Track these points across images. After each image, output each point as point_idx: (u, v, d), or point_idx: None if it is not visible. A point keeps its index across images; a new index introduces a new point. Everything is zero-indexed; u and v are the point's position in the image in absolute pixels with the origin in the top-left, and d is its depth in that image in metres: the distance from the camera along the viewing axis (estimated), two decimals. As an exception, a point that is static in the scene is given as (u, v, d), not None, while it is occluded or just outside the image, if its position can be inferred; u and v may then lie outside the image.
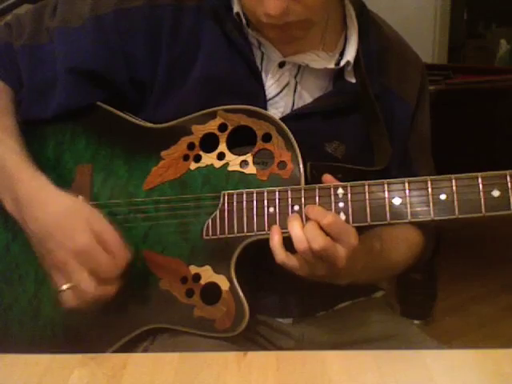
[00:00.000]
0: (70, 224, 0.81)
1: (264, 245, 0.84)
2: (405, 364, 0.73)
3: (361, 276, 0.85)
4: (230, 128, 0.87)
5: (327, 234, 0.77)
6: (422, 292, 2.31)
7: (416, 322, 2.29)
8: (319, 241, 0.75)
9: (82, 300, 0.80)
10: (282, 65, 0.92)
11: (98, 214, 0.83)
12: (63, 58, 0.92)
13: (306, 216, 0.79)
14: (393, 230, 0.93)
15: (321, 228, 0.77)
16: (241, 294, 0.84)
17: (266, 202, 0.83)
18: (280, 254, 0.79)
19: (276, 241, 0.80)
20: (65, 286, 0.80)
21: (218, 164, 0.87)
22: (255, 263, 0.88)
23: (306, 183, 0.84)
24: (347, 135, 0.94)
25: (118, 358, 0.76)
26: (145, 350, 0.89)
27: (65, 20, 0.93)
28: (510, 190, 0.75)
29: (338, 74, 0.94)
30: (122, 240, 0.82)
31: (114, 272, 0.80)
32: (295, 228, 0.78)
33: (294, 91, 0.93)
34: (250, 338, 0.93)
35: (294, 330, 0.97)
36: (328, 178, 0.83)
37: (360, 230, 0.81)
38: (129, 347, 0.88)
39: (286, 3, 0.79)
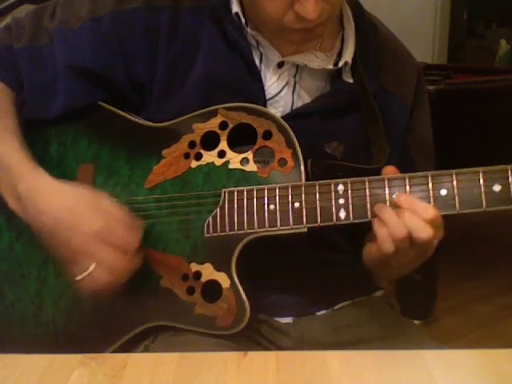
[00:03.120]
0: (79, 209, 0.82)
1: (265, 242, 0.84)
2: (405, 364, 0.73)
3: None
4: (230, 126, 0.87)
5: None
6: (422, 292, 2.31)
7: (416, 321, 2.29)
8: (428, 231, 0.74)
9: (114, 275, 0.81)
10: (280, 65, 0.92)
11: (102, 195, 0.85)
12: (63, 58, 0.93)
13: (398, 205, 0.77)
14: None
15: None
16: (241, 291, 0.84)
17: (266, 199, 0.83)
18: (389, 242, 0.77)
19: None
20: (79, 276, 0.81)
21: (218, 162, 0.87)
22: (253, 263, 0.88)
23: (307, 180, 0.84)
24: (346, 135, 0.94)
25: (118, 357, 0.76)
26: (145, 349, 0.89)
27: (64, 22, 0.94)
28: (511, 185, 0.75)
29: (335, 74, 0.95)
30: (133, 221, 0.84)
31: (134, 241, 0.82)
32: (392, 215, 0.77)
33: (293, 91, 0.93)
34: (250, 337, 0.93)
35: (293, 329, 0.96)
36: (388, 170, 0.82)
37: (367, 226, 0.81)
38: (130, 346, 0.88)
39: (321, 6, 0.81)
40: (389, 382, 0.70)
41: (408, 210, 0.76)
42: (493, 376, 0.70)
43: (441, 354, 0.78)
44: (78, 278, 0.81)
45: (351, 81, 0.94)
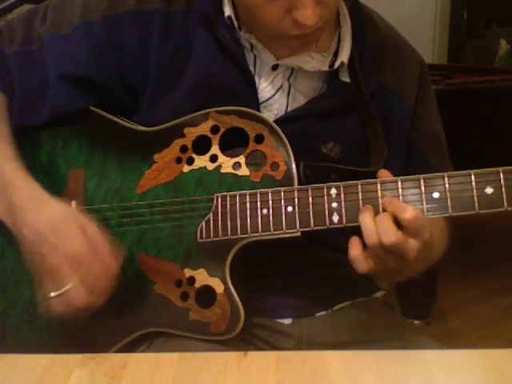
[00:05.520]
0: (63, 228, 0.81)
1: (262, 246, 0.84)
2: (405, 364, 0.73)
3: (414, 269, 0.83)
4: (222, 130, 0.87)
5: (403, 228, 0.75)
6: (422, 292, 2.31)
7: (416, 322, 2.29)
8: (390, 236, 0.74)
9: (70, 307, 0.80)
10: (275, 67, 0.92)
11: (90, 222, 0.83)
12: (54, 63, 0.92)
13: (383, 208, 0.77)
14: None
15: (394, 221, 0.75)
16: (235, 296, 0.84)
17: (259, 203, 0.83)
18: (362, 264, 0.77)
19: (358, 252, 0.77)
20: (53, 294, 0.79)
21: (210, 166, 0.87)
22: (252, 264, 0.88)
23: (300, 184, 0.83)
24: (343, 135, 0.93)
25: (118, 357, 0.76)
26: (141, 355, 0.88)
27: (55, 26, 0.94)
28: (503, 187, 0.75)
29: (332, 73, 0.94)
30: (114, 249, 0.82)
31: (104, 281, 0.80)
32: (366, 220, 0.76)
33: (288, 93, 0.93)
34: (248, 341, 0.93)
35: (293, 330, 0.96)
36: (383, 174, 0.81)
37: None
38: (125, 352, 0.88)
39: (319, 11, 0.80)
40: (389, 382, 0.70)
41: (383, 214, 0.76)
42: (493, 376, 0.70)
43: (441, 353, 0.78)
44: (52, 294, 0.79)
45: (348, 80, 0.93)
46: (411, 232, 0.75)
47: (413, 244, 0.75)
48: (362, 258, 0.77)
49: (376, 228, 0.75)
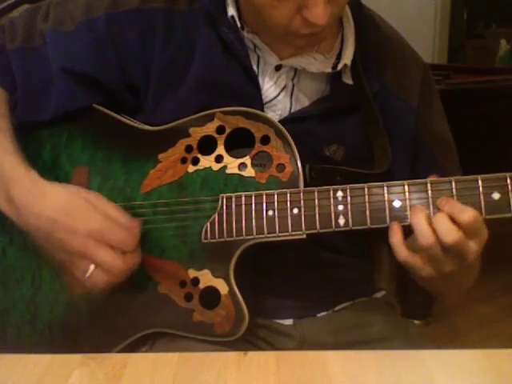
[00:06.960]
0: (75, 208, 0.82)
1: (263, 247, 0.84)
2: (405, 364, 0.73)
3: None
4: (227, 130, 0.86)
5: (462, 230, 0.74)
6: (422, 292, 2.31)
7: (416, 322, 2.29)
8: (453, 235, 0.73)
9: (112, 276, 0.81)
10: (278, 68, 0.91)
11: (96, 194, 0.85)
12: (57, 60, 0.92)
13: (438, 209, 0.77)
14: None
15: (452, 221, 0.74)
16: (240, 297, 0.83)
17: (264, 205, 0.82)
18: (402, 251, 0.77)
19: (398, 239, 0.77)
20: (91, 269, 0.80)
21: (216, 167, 0.86)
22: (255, 265, 0.88)
23: (305, 186, 0.83)
24: (346, 137, 0.93)
25: (118, 357, 0.76)
26: (144, 355, 0.88)
27: (58, 23, 0.93)
28: (510, 193, 0.75)
29: (335, 75, 0.93)
30: (127, 212, 0.84)
31: (132, 241, 0.82)
32: (421, 220, 0.75)
33: (291, 94, 0.92)
34: (250, 341, 0.93)
35: (294, 331, 0.96)
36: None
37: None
38: (127, 352, 0.87)
39: (330, 9, 0.79)
40: (389, 382, 0.70)
41: (440, 213, 0.75)
42: (493, 376, 0.70)
43: (441, 353, 0.78)
44: (90, 269, 0.80)
45: (351, 82, 0.93)
46: (470, 233, 0.74)
47: (472, 245, 0.75)
48: (402, 244, 0.77)
49: (433, 228, 0.74)
